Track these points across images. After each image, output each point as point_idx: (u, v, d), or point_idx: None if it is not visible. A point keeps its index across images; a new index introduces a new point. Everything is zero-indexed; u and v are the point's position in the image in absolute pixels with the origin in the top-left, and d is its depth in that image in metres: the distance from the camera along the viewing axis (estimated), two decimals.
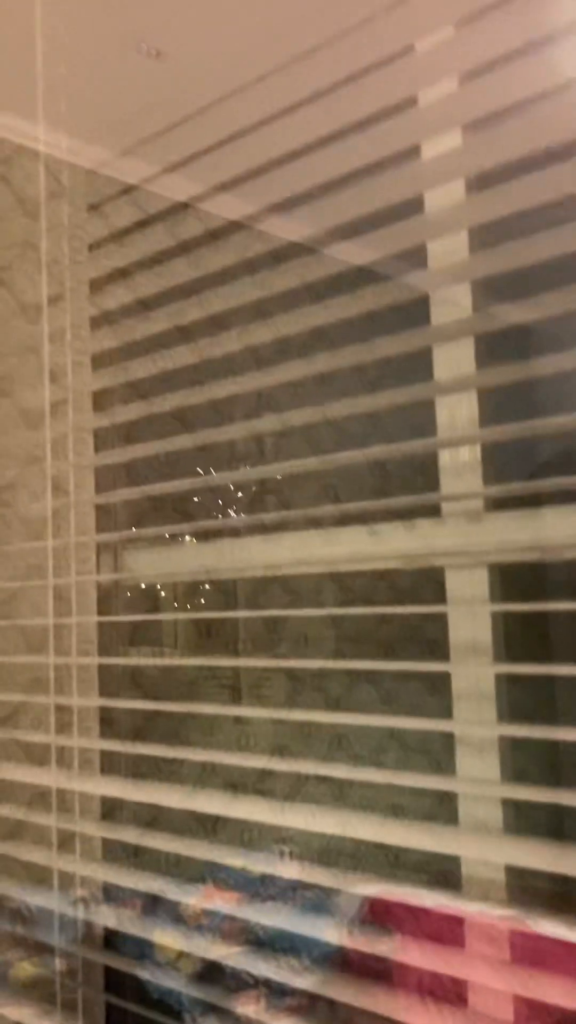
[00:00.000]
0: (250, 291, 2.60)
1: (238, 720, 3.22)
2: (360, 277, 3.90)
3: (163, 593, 3.07)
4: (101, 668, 2.81)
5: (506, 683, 1.88)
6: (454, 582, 1.88)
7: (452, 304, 1.86)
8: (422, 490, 1.82)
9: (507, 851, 1.73)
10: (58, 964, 2.19)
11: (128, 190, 3.01)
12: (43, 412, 2.74)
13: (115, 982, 2.13)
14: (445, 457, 1.91)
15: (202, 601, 3.19)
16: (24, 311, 2.73)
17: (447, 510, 1.87)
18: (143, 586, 3.02)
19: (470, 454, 1.90)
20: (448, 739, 3.93)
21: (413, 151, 1.81)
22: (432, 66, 1.74)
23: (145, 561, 2.67)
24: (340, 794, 3.50)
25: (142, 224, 3.15)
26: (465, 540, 1.82)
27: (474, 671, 1.90)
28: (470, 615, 1.92)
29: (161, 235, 3.17)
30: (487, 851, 1.86)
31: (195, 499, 3.14)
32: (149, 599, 3.04)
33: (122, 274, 2.99)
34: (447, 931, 2.57)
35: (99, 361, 2.91)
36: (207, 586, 3.21)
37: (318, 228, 3.73)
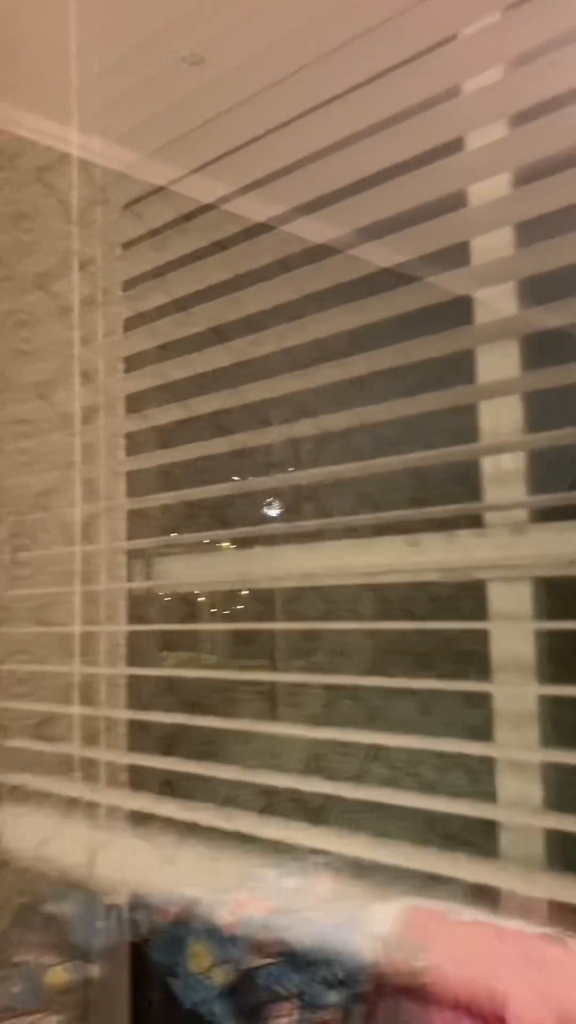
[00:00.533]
0: (286, 293, 2.59)
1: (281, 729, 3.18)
2: (399, 279, 3.88)
3: (200, 599, 3.06)
4: (141, 676, 2.80)
5: (552, 704, 1.83)
6: (496, 596, 1.84)
7: (496, 305, 1.82)
8: (463, 500, 1.78)
9: (548, 884, 1.69)
10: (91, 970, 2.18)
11: (162, 192, 3.01)
12: (80, 416, 2.75)
13: (146, 991, 2.11)
14: (488, 465, 1.87)
15: (240, 607, 3.17)
16: (63, 314, 2.75)
17: (490, 520, 1.83)
18: (182, 595, 3.01)
19: (514, 462, 1.86)
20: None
21: (456, 144, 1.77)
22: (477, 54, 1.71)
23: (178, 568, 2.66)
24: (376, 804, 3.44)
25: (175, 225, 3.16)
26: (508, 552, 1.78)
27: (516, 691, 1.85)
28: (513, 631, 1.88)
29: (196, 236, 3.17)
30: (527, 883, 1.82)
31: (232, 506, 3.12)
32: (186, 604, 3.03)
33: (155, 275, 2.99)
34: (484, 948, 2.51)
35: (133, 364, 2.92)
36: (245, 591, 3.20)
37: (355, 228, 3.72)
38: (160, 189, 2.98)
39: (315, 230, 3.52)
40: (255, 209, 3.34)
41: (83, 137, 2.71)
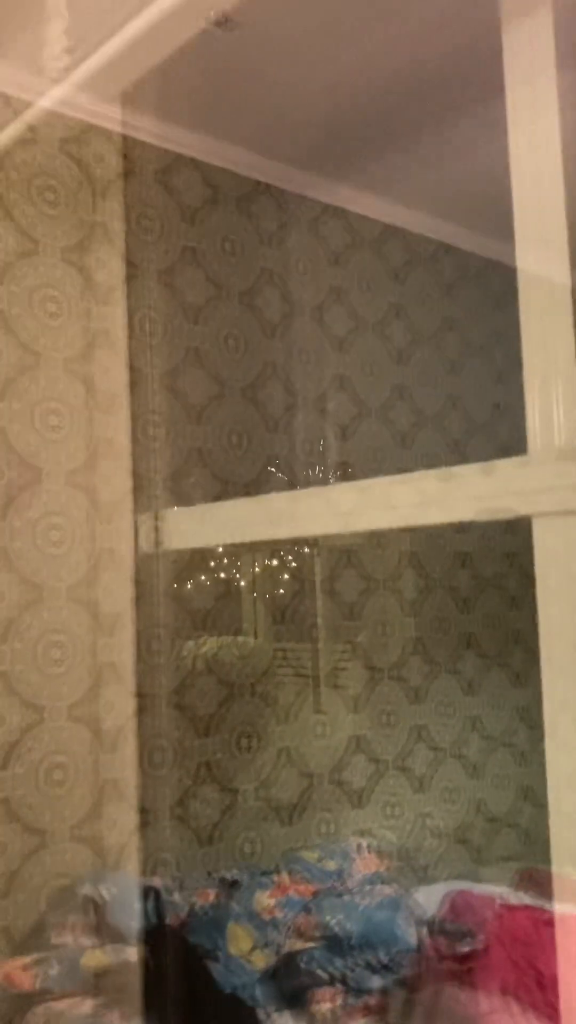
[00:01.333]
0: (327, 272, 2.50)
1: (319, 710, 3.13)
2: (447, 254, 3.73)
3: (242, 582, 3.00)
4: (175, 655, 2.76)
5: None
6: (543, 533, 1.66)
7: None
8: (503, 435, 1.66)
9: None
10: (129, 953, 2.15)
11: (197, 165, 2.94)
12: (117, 394, 2.70)
13: (185, 975, 2.07)
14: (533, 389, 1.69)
15: (280, 591, 3.11)
16: (94, 292, 2.69)
17: (534, 447, 1.67)
18: (221, 575, 2.95)
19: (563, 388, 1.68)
20: (533, 731, 3.78)
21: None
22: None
23: (194, 520, 2.57)
24: (420, 786, 3.38)
25: (212, 202, 3.09)
26: (555, 481, 1.63)
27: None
28: (563, 573, 1.68)
29: (233, 213, 3.10)
30: None
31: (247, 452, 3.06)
32: (226, 587, 2.97)
33: (192, 252, 2.94)
34: (533, 932, 2.44)
35: (171, 340, 2.87)
36: (285, 576, 3.13)
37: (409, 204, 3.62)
38: (201, 164, 2.93)
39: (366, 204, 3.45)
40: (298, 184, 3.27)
41: (116, 109, 2.66)
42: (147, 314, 2.81)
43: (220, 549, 2.97)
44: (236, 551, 3.00)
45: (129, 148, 2.79)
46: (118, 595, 2.63)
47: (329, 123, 2.96)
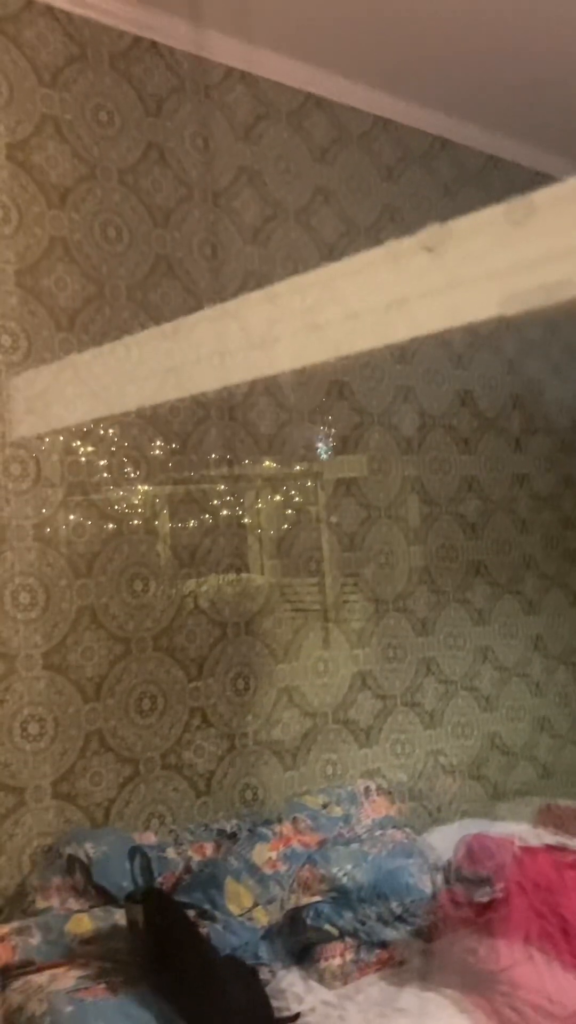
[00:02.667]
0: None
1: (322, 646, 2.93)
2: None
3: (247, 520, 2.77)
4: (170, 596, 2.54)
5: None
6: None
7: None
8: None
9: None
10: (119, 917, 1.97)
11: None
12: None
13: (178, 938, 1.90)
14: None
15: (285, 527, 2.88)
16: (47, 196, 2.41)
17: None
18: (224, 512, 2.71)
19: None
20: (548, 661, 3.57)
21: None
22: None
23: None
24: (431, 722, 3.20)
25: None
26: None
27: None
28: None
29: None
30: None
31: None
32: (236, 526, 2.74)
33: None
34: (556, 876, 2.26)
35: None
36: (288, 511, 2.90)
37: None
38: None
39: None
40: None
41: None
42: None
43: (208, 480, 2.72)
44: (235, 486, 2.76)
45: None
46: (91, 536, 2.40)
47: None
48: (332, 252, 3.03)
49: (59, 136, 2.44)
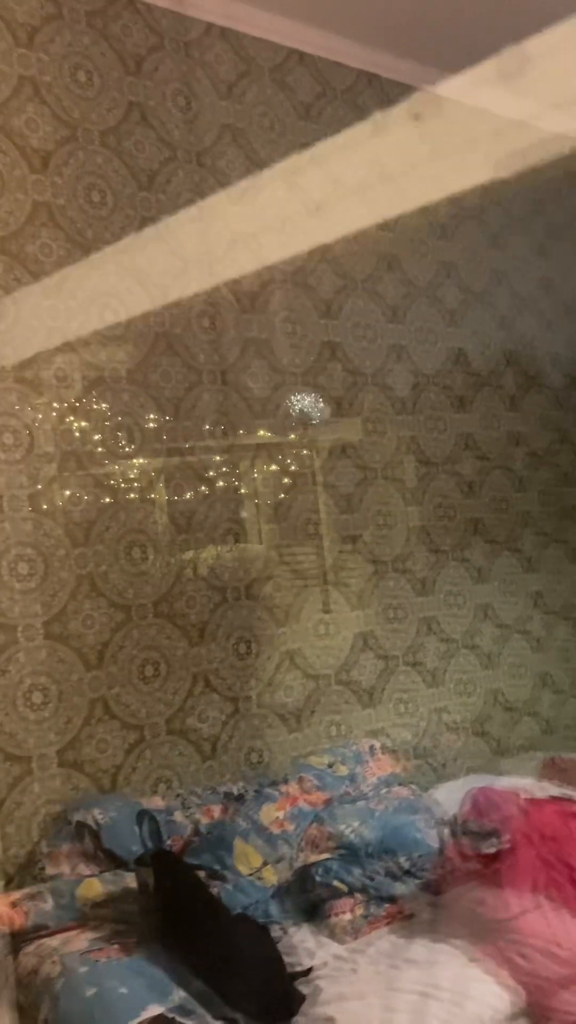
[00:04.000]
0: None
1: (323, 608, 2.93)
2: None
3: (243, 489, 2.76)
4: (169, 563, 2.54)
5: None
6: None
7: None
8: None
9: None
10: (129, 880, 1.99)
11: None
12: None
13: (189, 899, 1.92)
14: None
15: (281, 496, 2.87)
16: (29, 160, 2.36)
17: None
18: (220, 483, 2.69)
19: None
20: (548, 616, 3.58)
21: None
22: None
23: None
24: (433, 681, 3.21)
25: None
26: None
27: None
28: None
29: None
30: None
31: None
32: (233, 493, 2.72)
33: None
34: (562, 826, 2.28)
35: None
36: (285, 479, 2.88)
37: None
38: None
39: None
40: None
41: None
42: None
43: (208, 449, 2.70)
44: (233, 455, 2.74)
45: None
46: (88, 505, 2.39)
47: None
48: (319, 210, 2.98)
49: (38, 98, 2.40)
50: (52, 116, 2.42)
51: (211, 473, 2.68)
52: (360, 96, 3.13)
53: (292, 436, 2.89)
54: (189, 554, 2.61)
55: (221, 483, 2.71)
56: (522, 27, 2.98)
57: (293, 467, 2.91)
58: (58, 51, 2.44)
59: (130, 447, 2.50)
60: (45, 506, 2.32)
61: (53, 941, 1.81)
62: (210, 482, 2.68)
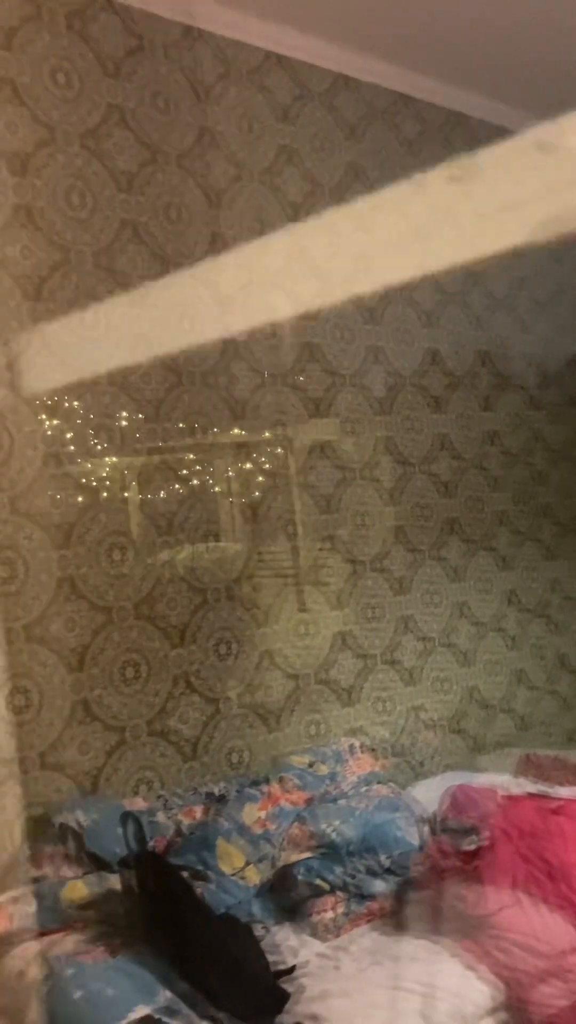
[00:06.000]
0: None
1: (302, 608, 2.95)
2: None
3: (216, 488, 2.77)
4: (147, 565, 2.54)
5: None
6: None
7: None
8: None
9: None
10: (113, 882, 2.00)
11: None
12: None
13: (173, 900, 1.93)
14: None
15: (256, 494, 2.88)
16: (8, 162, 2.36)
17: None
18: (194, 482, 2.70)
19: None
20: (522, 615, 3.62)
21: None
22: None
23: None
24: (410, 679, 3.24)
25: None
26: None
27: None
28: None
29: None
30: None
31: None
32: (206, 495, 2.73)
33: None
34: (540, 822, 2.32)
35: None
36: (260, 478, 2.89)
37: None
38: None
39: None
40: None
41: None
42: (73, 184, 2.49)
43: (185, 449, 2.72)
44: (205, 452, 2.76)
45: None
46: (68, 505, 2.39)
47: None
48: (298, 212, 3.00)
49: (17, 100, 2.39)
50: (32, 118, 2.42)
51: (184, 472, 2.69)
52: (337, 98, 3.16)
53: (267, 434, 2.91)
54: (167, 555, 2.61)
55: (196, 481, 2.71)
56: None
57: (267, 464, 2.92)
58: (38, 53, 2.44)
59: (105, 445, 2.51)
60: (24, 508, 2.32)
61: (39, 944, 1.81)
62: (184, 480, 2.69)
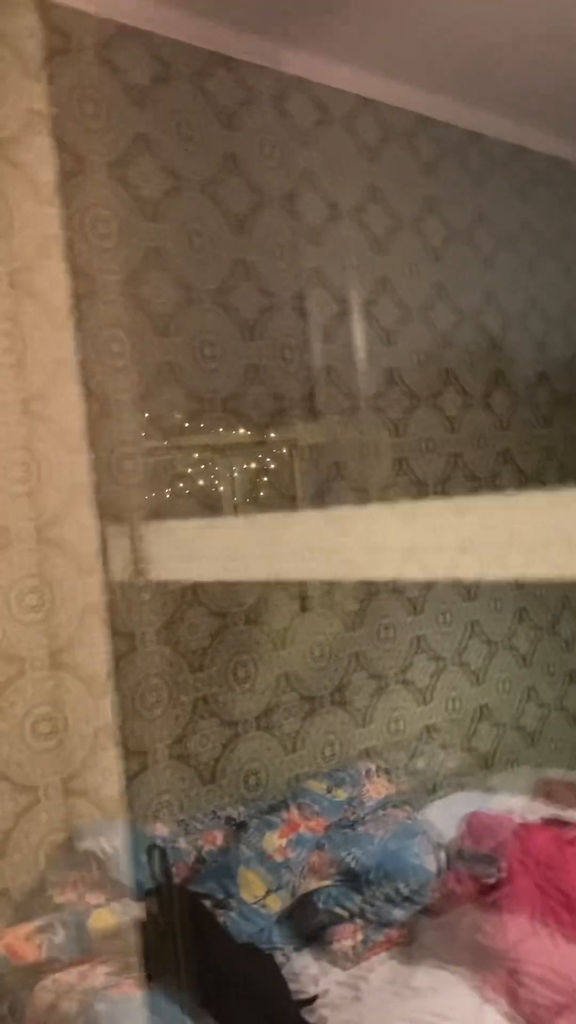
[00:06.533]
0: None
1: (314, 632, 2.98)
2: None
3: (222, 488, 2.79)
4: (162, 587, 2.57)
5: None
6: None
7: None
8: None
9: None
10: (138, 910, 2.03)
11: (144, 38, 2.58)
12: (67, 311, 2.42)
13: (197, 929, 1.96)
14: None
15: (261, 494, 2.90)
16: (37, 192, 2.38)
17: None
18: (200, 483, 2.73)
19: None
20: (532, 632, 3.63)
21: None
22: None
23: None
24: (423, 699, 3.28)
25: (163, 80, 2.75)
26: None
27: None
28: None
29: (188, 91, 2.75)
30: None
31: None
32: (210, 497, 2.76)
33: (145, 140, 2.60)
34: (557, 852, 2.35)
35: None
36: (265, 479, 2.92)
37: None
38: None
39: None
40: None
41: None
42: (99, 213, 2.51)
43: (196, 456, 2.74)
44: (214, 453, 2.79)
45: (62, 19, 2.43)
46: (90, 534, 2.42)
47: None
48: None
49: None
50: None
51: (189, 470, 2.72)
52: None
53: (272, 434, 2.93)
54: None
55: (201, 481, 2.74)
56: None
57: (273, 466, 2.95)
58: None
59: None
60: (52, 538, 2.35)
61: (68, 976, 1.84)
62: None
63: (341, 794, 2.60)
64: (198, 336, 2.71)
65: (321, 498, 3.03)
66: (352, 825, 2.49)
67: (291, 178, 2.96)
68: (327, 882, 2.27)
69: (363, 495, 3.15)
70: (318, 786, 2.62)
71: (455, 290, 3.47)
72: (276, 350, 2.90)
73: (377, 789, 2.71)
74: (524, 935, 2.10)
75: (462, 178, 3.51)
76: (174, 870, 2.22)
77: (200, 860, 2.30)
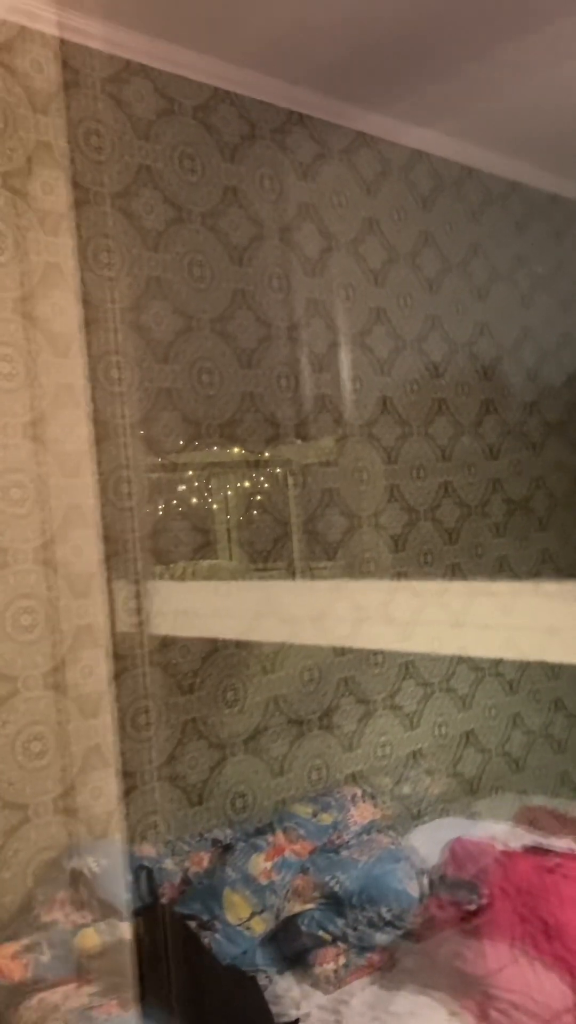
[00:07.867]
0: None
1: (304, 656, 3.02)
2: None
3: (215, 505, 2.83)
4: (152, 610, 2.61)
5: None
6: None
7: None
8: None
9: None
10: (123, 930, 2.05)
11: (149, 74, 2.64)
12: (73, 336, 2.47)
13: (183, 952, 1.99)
14: None
15: (254, 513, 2.95)
16: (42, 221, 2.44)
17: None
18: (194, 500, 2.78)
19: None
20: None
21: None
22: None
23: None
24: (410, 724, 3.31)
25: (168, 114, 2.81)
26: None
27: None
28: None
29: (191, 126, 2.82)
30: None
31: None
32: (203, 515, 2.80)
33: (147, 171, 2.66)
34: (537, 880, 2.38)
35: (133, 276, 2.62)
36: (257, 497, 2.96)
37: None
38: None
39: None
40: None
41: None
42: (102, 243, 2.57)
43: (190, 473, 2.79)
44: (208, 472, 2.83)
45: (70, 55, 2.49)
46: (88, 556, 2.46)
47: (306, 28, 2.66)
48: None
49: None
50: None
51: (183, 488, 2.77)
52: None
53: (267, 454, 2.98)
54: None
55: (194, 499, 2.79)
56: None
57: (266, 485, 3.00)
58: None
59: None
60: (49, 559, 2.39)
61: (53, 996, 1.87)
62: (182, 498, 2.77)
63: (327, 818, 2.63)
64: (197, 363, 2.76)
65: (313, 523, 3.08)
66: (337, 849, 2.52)
67: (290, 211, 3.03)
68: (311, 905, 2.30)
69: (354, 519, 3.20)
70: (304, 810, 2.65)
71: (449, 321, 3.53)
72: (273, 378, 2.95)
73: (362, 814, 2.74)
74: (503, 962, 2.14)
75: (458, 212, 3.58)
76: (161, 891, 2.25)
77: (186, 881, 2.33)
